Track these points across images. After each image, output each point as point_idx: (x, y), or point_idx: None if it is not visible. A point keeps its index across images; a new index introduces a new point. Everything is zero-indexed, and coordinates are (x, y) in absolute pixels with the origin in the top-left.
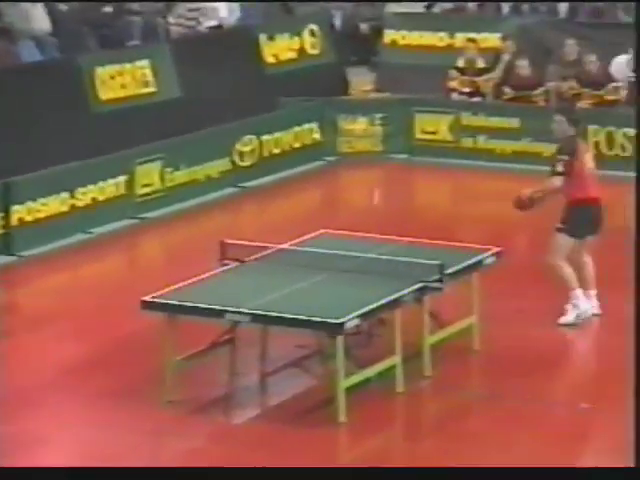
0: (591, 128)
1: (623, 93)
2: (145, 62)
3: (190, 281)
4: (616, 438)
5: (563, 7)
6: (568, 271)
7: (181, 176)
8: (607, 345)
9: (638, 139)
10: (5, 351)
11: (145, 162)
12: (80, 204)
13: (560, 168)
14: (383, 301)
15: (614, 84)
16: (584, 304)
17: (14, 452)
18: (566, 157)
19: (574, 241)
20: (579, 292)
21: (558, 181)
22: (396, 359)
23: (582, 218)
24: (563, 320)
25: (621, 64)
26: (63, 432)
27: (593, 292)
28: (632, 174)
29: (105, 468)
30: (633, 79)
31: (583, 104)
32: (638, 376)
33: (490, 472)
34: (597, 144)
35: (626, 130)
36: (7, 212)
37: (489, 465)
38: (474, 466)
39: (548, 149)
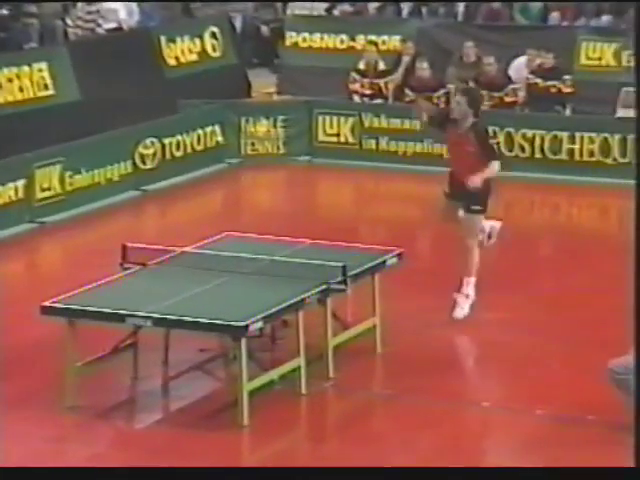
0: (490, 129)
1: (521, 95)
2: (43, 65)
3: (91, 285)
4: (517, 436)
5: (460, 10)
6: (476, 258)
7: (82, 180)
8: (505, 343)
9: (638, 141)
10: None
11: (44, 165)
12: None
13: (497, 152)
14: (286, 303)
15: (512, 86)
16: (473, 293)
17: None
18: (491, 141)
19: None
20: (473, 280)
21: (498, 166)
22: (300, 361)
23: (487, 197)
24: (459, 314)
25: (519, 66)
26: None
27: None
28: (531, 175)
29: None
30: (531, 81)
31: (483, 106)
32: (638, 379)
33: (395, 472)
34: (497, 145)
35: (524, 131)
36: None
37: (394, 465)
38: (378, 466)
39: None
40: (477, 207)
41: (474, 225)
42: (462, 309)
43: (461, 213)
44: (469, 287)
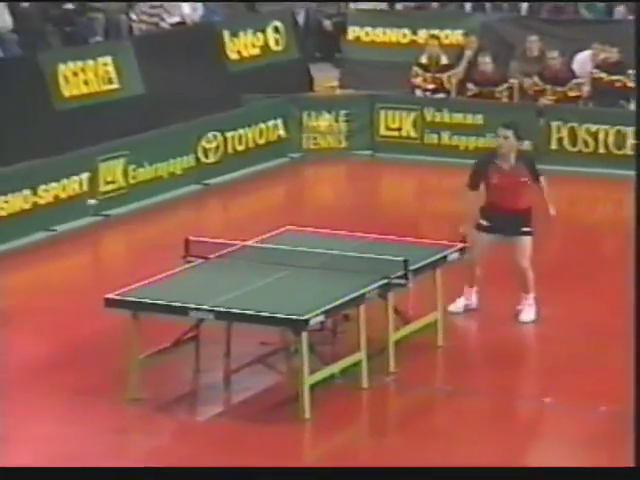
0: (554, 124)
1: (585, 89)
2: (108, 59)
3: (154, 278)
4: (580, 433)
5: (525, 4)
6: (533, 276)
7: (145, 173)
8: (567, 339)
9: (638, 137)
10: None
11: (108, 159)
12: (42, 202)
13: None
14: (347, 297)
15: (576, 80)
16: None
17: None
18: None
19: None
20: (532, 295)
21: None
22: (361, 355)
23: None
24: (526, 317)
25: (583, 60)
26: (24, 430)
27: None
28: (595, 170)
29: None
30: (595, 75)
31: (546, 100)
32: (638, 376)
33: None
34: (560, 140)
35: (588, 126)
36: None
37: (454, 461)
38: (439, 462)
39: None
40: (528, 229)
41: (527, 247)
42: (529, 314)
43: (507, 239)
44: (530, 300)
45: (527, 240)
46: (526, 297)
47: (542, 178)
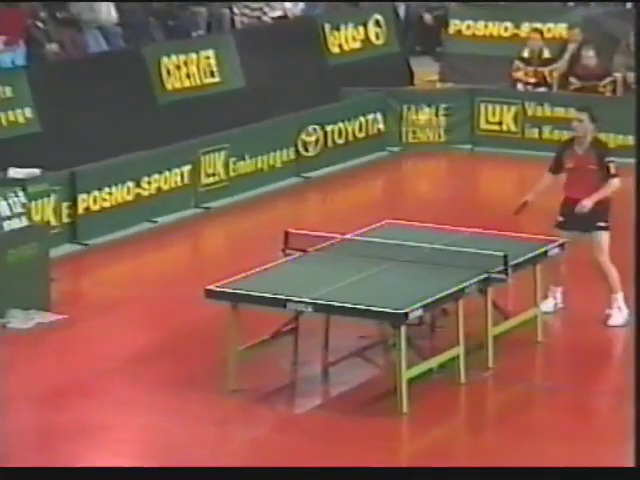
0: None
1: None
2: (210, 52)
3: (253, 270)
4: None
5: None
6: (615, 272)
7: (245, 166)
8: None
9: (638, 134)
10: (71, 338)
11: (210, 152)
12: (145, 193)
13: (614, 170)
14: (446, 292)
15: None
16: (624, 305)
17: (79, 437)
18: (612, 158)
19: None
20: (621, 295)
21: (619, 182)
22: (459, 350)
23: (609, 212)
24: (613, 321)
25: None
26: (126, 419)
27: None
28: None
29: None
30: None
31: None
32: (638, 377)
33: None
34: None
35: None
36: (74, 201)
37: (550, 460)
38: (535, 461)
39: (614, 140)
40: (604, 224)
41: (604, 242)
42: (617, 318)
43: (584, 236)
44: (619, 301)
45: (603, 235)
46: (615, 298)
47: (614, 180)
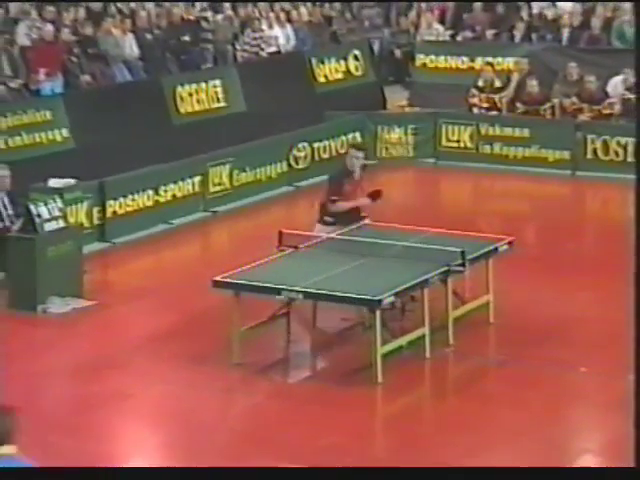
0: (589, 137)
1: (617, 108)
2: (217, 82)
3: (253, 264)
4: (609, 398)
5: (565, 35)
6: None
7: (246, 177)
8: (602, 317)
9: (638, 142)
10: (101, 321)
11: (216, 165)
12: (162, 200)
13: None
14: (414, 281)
15: (609, 100)
16: None
17: (109, 404)
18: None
19: None
20: None
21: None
22: (424, 330)
23: None
24: None
25: (615, 83)
26: (147, 389)
27: None
28: (624, 176)
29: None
30: (625, 96)
31: (584, 117)
32: (638, 376)
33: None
34: (594, 151)
35: (619, 139)
36: (103, 206)
37: (502, 422)
38: (489, 423)
39: (554, 155)
40: None
41: None
42: None
43: None
44: None
45: None
46: None
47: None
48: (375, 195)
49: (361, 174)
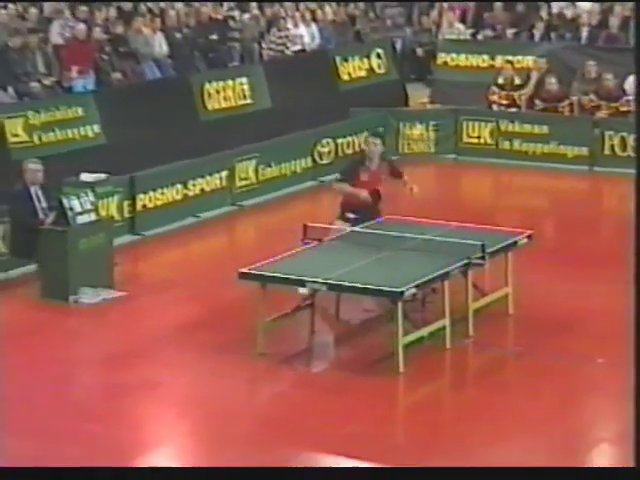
0: (607, 134)
1: (634, 105)
2: (244, 79)
3: (278, 256)
4: (625, 387)
5: (584, 34)
6: None
7: (272, 172)
8: (617, 310)
9: (638, 137)
10: (131, 311)
11: (243, 160)
12: (191, 194)
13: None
14: (435, 274)
15: (627, 98)
16: None
17: (138, 392)
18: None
19: None
20: None
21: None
22: (445, 321)
23: None
24: None
25: (633, 81)
26: (175, 377)
27: None
28: None
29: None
30: None
31: (601, 114)
32: (638, 376)
33: None
34: (612, 147)
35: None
36: (133, 200)
37: (520, 412)
38: (508, 412)
39: (572, 151)
40: None
41: None
42: None
43: None
44: None
45: None
46: None
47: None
48: (375, 194)
49: (380, 164)
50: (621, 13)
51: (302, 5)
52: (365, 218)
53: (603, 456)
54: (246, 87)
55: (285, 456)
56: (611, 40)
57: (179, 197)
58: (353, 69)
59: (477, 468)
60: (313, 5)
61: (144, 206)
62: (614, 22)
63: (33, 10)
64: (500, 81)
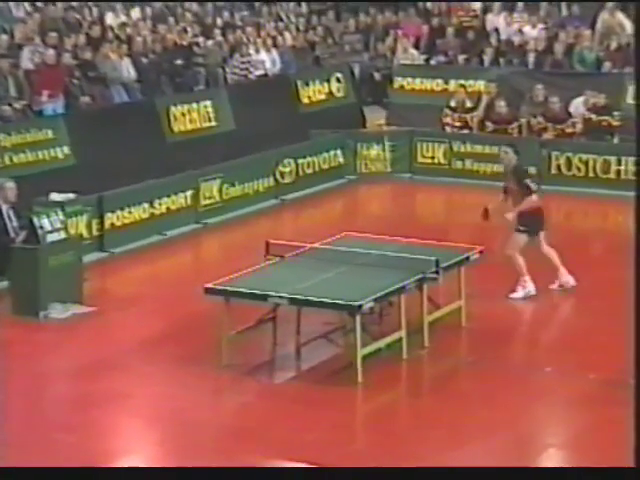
0: (554, 154)
1: (579, 127)
2: (208, 103)
3: (241, 272)
4: (572, 396)
5: (531, 59)
6: (521, 261)
7: (235, 191)
8: (564, 320)
9: (638, 142)
10: (99, 325)
11: (207, 180)
12: (157, 212)
13: (534, 188)
14: (392, 288)
15: (572, 120)
16: (531, 286)
17: (107, 403)
18: (529, 179)
19: (529, 238)
20: (527, 277)
21: (535, 197)
22: (402, 333)
23: (537, 221)
24: (513, 295)
25: (578, 104)
26: (143, 389)
27: (562, 270)
28: (585, 190)
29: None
30: (587, 116)
31: (548, 135)
32: (638, 377)
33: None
34: (558, 166)
35: (581, 155)
36: (101, 218)
37: (474, 417)
38: (463, 418)
39: None
40: (521, 227)
41: (514, 241)
42: (516, 294)
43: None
44: (522, 282)
45: (516, 236)
46: (520, 279)
47: (533, 195)
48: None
49: (508, 176)
50: (565, 40)
51: (263, 32)
52: (536, 229)
53: (552, 459)
54: (211, 110)
55: (250, 463)
56: (556, 65)
57: (146, 215)
58: (313, 93)
59: (434, 468)
60: (274, 31)
61: (112, 224)
62: (559, 48)
63: (4, 37)
64: (453, 104)
